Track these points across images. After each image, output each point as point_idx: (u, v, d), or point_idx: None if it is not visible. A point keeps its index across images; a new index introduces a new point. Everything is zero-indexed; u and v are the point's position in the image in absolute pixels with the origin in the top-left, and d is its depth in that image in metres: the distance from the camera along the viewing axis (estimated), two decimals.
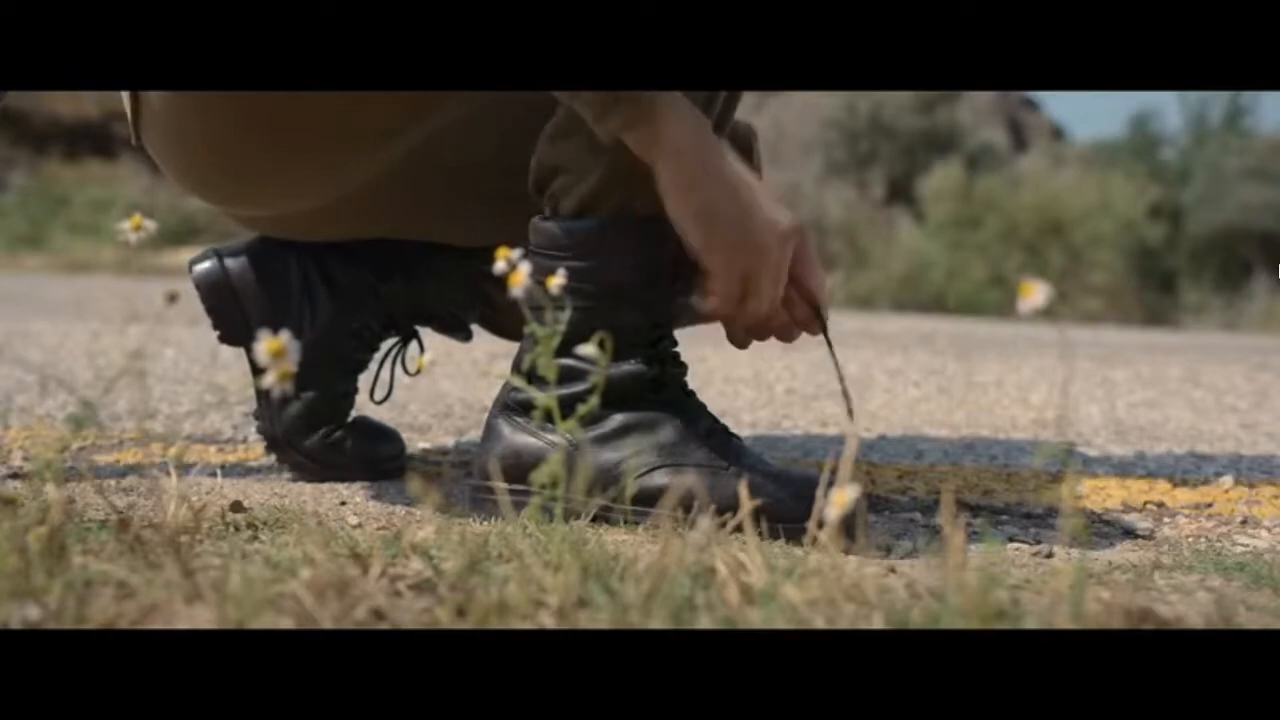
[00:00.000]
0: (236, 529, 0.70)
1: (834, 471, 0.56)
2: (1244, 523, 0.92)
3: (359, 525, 0.77)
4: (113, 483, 0.94)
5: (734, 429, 1.32)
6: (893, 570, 0.65)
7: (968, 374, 1.84)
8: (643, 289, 0.78)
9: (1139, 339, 3.16)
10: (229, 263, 0.97)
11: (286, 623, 0.46)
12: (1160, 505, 0.97)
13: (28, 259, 5.46)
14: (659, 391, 0.82)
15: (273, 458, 0.98)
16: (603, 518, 0.79)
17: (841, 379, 0.81)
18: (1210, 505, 0.98)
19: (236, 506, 0.78)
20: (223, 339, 0.97)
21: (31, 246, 5.93)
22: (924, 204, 9.64)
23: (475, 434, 1.20)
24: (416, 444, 1.13)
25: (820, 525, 0.55)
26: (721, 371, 1.71)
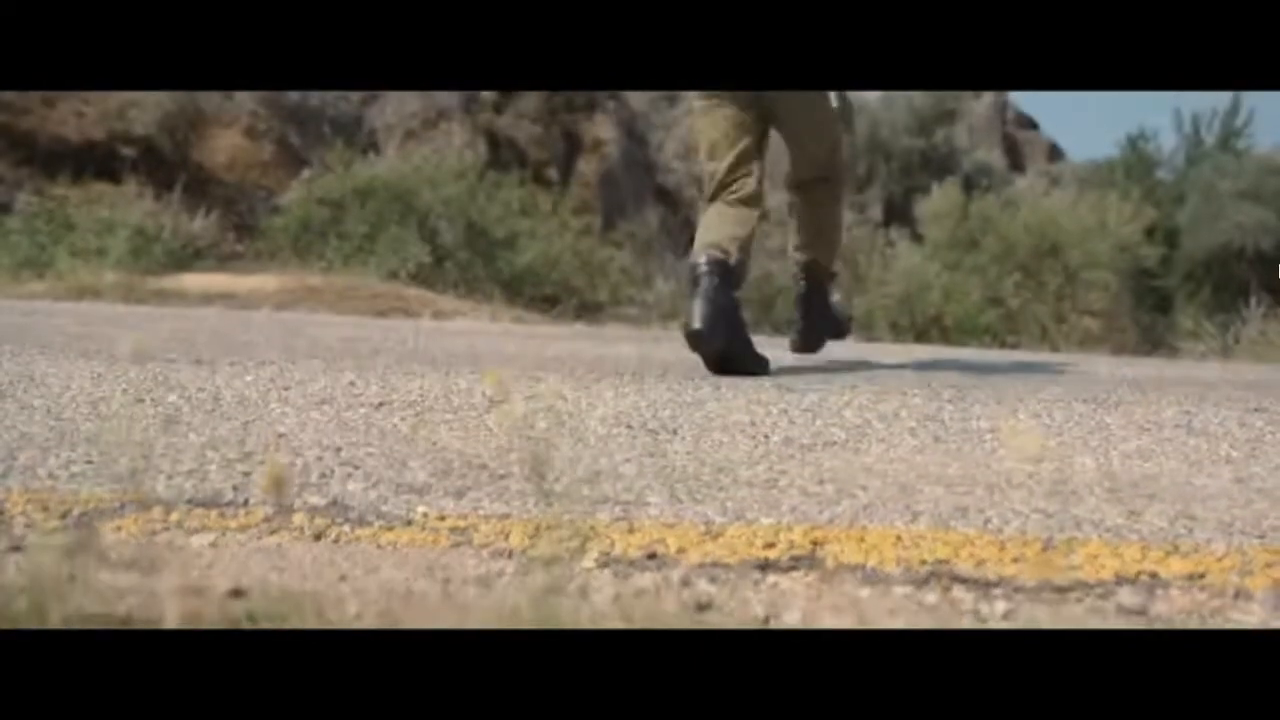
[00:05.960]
0: (236, 625, 0.71)
1: None
2: (1236, 596, 0.93)
3: (358, 615, 0.78)
4: (113, 552, 0.95)
5: (731, 484, 1.33)
6: None
7: (963, 419, 1.85)
8: None
9: (1134, 372, 3.17)
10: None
11: None
12: (1153, 576, 0.98)
13: (32, 284, 5.48)
14: None
15: (275, 522, 1.03)
16: None
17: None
18: (1203, 575, 0.99)
19: (236, 593, 0.79)
20: None
21: (35, 269, 5.95)
22: (921, 225, 9.68)
23: (476, 494, 1.22)
24: (416, 508, 1.14)
25: None
26: (719, 419, 1.72)
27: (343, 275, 6.03)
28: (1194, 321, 7.73)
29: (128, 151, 9.07)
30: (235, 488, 1.20)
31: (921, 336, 7.39)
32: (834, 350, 3.32)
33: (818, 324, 2.73)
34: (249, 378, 1.98)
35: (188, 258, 6.53)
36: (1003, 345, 6.62)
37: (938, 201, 9.38)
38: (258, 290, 5.47)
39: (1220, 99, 13.44)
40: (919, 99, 16.05)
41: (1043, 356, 4.72)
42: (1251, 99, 12.65)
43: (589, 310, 7.26)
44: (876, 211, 10.55)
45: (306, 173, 8.79)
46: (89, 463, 1.29)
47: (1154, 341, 8.69)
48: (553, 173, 11.33)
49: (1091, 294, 8.82)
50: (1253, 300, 6.90)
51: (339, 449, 1.42)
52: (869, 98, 18.34)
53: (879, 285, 8.12)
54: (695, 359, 2.55)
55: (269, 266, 6.63)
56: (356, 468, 1.31)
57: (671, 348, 3.33)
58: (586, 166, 11.74)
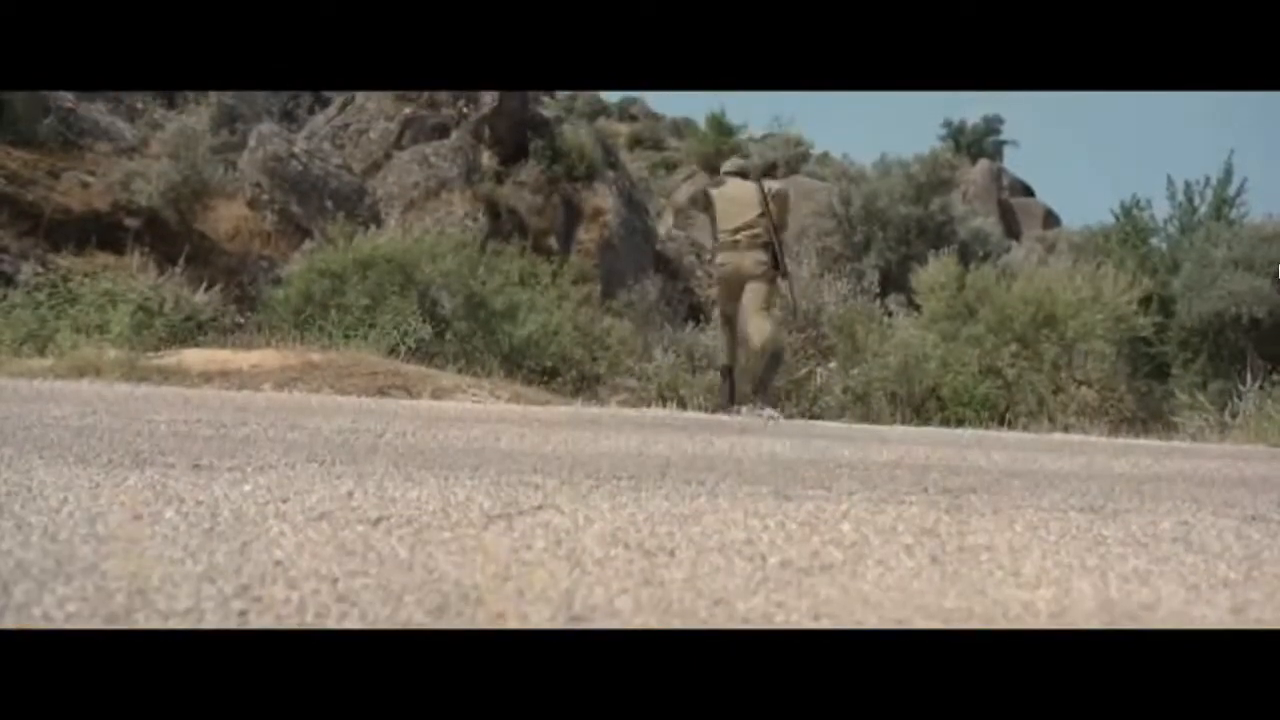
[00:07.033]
0: None
1: None
2: None
3: None
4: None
5: (728, 621, 1.33)
6: None
7: (960, 533, 1.85)
8: None
9: (1131, 465, 3.18)
10: None
11: None
12: None
13: (33, 359, 5.51)
14: None
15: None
16: None
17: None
18: None
19: None
20: None
21: (38, 345, 5.99)
22: (918, 294, 9.77)
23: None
24: None
25: None
26: (716, 535, 1.72)
27: (343, 350, 6.07)
28: (1189, 394, 7.76)
29: (131, 222, 9.19)
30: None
31: (919, 409, 7.40)
32: (835, 438, 3.33)
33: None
34: (247, 487, 1.99)
35: (190, 330, 6.58)
36: (1000, 421, 6.62)
37: (934, 273, 9.47)
38: (259, 366, 5.50)
39: (1213, 168, 13.68)
40: (915, 167, 16.31)
41: (1040, 436, 4.73)
42: (1244, 169, 12.92)
43: (588, 382, 7.28)
44: (873, 280, 10.66)
45: (309, 243, 8.90)
46: (84, 600, 1.29)
47: (1150, 411, 8.71)
48: (553, 241, 11.47)
49: (1088, 364, 8.87)
50: (1248, 375, 6.93)
51: (335, 580, 1.42)
52: (865, 166, 18.64)
53: (876, 356, 8.16)
54: (692, 454, 2.55)
55: (271, 339, 6.68)
56: (353, 604, 1.31)
57: (672, 438, 3.34)
58: (586, 235, 11.88)
